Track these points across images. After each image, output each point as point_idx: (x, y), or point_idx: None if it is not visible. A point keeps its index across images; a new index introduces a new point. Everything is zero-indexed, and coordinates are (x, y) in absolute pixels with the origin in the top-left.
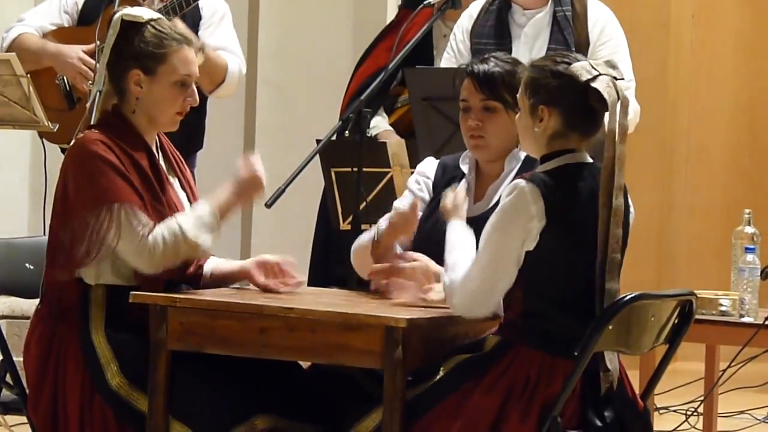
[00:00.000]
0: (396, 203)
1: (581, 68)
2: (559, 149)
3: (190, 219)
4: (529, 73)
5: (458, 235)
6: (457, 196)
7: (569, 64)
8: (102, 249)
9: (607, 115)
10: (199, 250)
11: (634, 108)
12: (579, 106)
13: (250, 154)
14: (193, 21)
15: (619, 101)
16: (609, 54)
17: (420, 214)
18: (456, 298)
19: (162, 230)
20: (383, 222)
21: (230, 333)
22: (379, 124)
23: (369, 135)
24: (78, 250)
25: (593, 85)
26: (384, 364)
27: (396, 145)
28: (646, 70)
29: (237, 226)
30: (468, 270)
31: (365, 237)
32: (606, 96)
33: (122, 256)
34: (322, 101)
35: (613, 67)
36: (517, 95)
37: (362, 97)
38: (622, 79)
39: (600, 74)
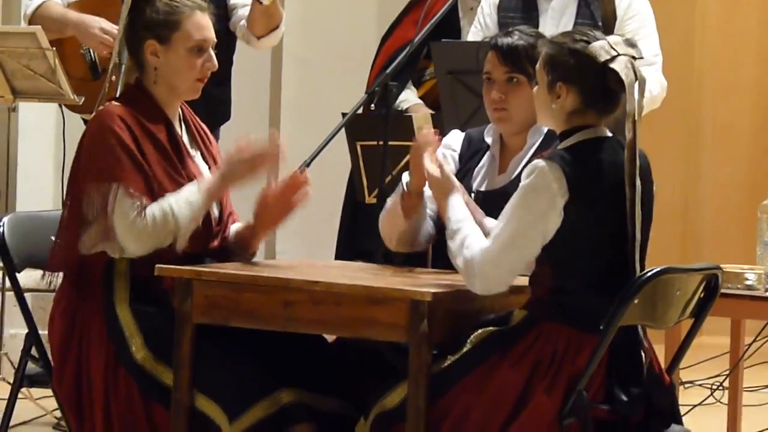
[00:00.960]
0: (404, 176)
1: (600, 48)
2: (577, 125)
3: (180, 199)
4: (548, 49)
5: (458, 214)
6: (444, 165)
7: (588, 42)
8: (102, 228)
9: (626, 96)
10: (181, 232)
11: (661, 83)
12: (597, 85)
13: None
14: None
15: (637, 81)
16: (636, 29)
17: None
18: (476, 278)
19: (153, 210)
20: (407, 174)
21: (255, 306)
22: (409, 98)
23: (399, 109)
24: (87, 226)
25: (611, 65)
26: (409, 337)
27: (422, 118)
28: (671, 45)
29: None
30: (487, 248)
31: (389, 201)
32: (624, 77)
33: (116, 235)
34: (347, 75)
35: (632, 45)
36: (536, 68)
37: (388, 71)
38: (641, 58)
39: (618, 55)
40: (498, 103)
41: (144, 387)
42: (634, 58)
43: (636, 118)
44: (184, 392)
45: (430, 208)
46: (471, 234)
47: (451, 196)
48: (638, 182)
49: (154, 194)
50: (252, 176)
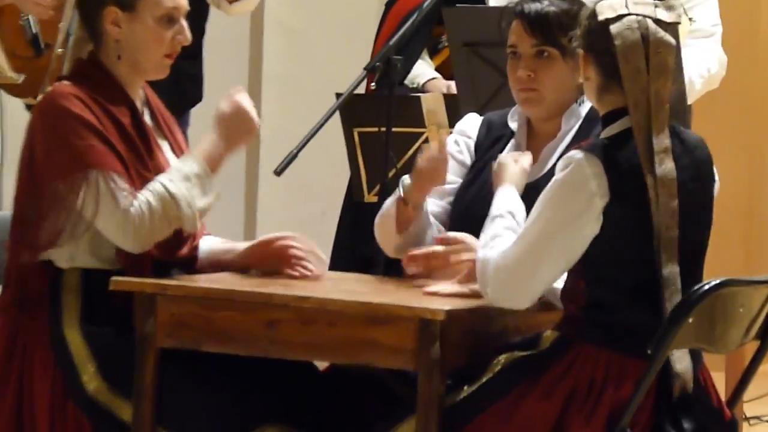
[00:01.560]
0: (404, 178)
1: (607, 6)
2: (614, 108)
3: (176, 178)
4: (581, 14)
5: (505, 203)
6: (523, 158)
7: None
8: (78, 225)
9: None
10: (194, 217)
11: (719, 59)
12: (608, 52)
13: (234, 91)
14: None
15: (650, 42)
16: None
17: (457, 179)
18: (489, 281)
19: (147, 197)
20: (407, 177)
21: (232, 327)
22: (425, 71)
23: (415, 85)
24: (47, 227)
25: (611, 26)
26: (418, 364)
27: (432, 100)
28: (730, 12)
29: (240, 198)
30: (506, 251)
31: (388, 202)
32: (617, 38)
33: (104, 233)
34: (343, 47)
35: (669, 8)
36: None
37: (391, 42)
38: (678, 23)
39: (628, 14)
40: (526, 81)
41: (97, 424)
42: (662, 21)
43: (652, 94)
44: (145, 430)
45: (436, 203)
46: (503, 235)
47: (511, 185)
48: (663, 167)
49: (133, 182)
50: (250, 138)
